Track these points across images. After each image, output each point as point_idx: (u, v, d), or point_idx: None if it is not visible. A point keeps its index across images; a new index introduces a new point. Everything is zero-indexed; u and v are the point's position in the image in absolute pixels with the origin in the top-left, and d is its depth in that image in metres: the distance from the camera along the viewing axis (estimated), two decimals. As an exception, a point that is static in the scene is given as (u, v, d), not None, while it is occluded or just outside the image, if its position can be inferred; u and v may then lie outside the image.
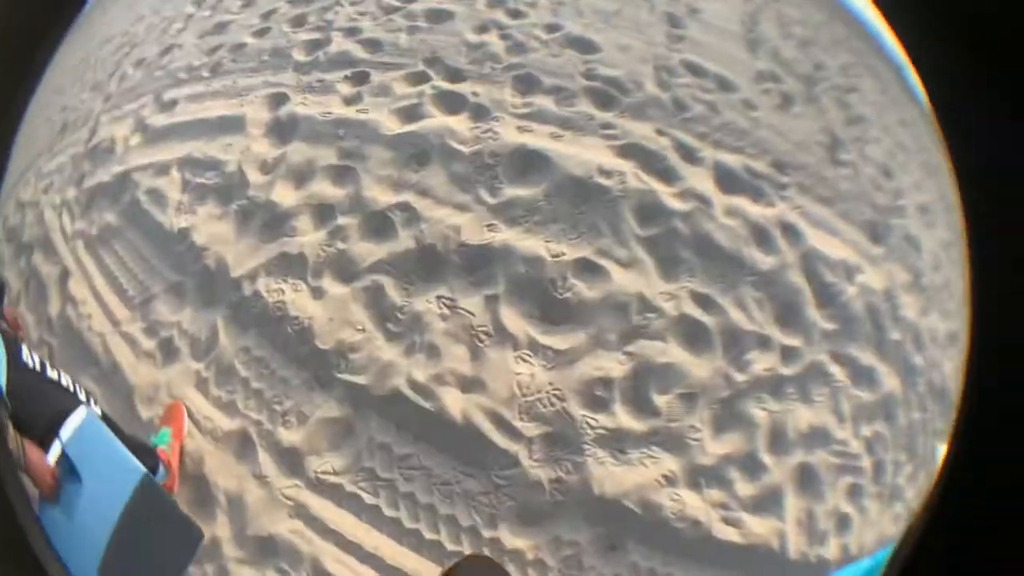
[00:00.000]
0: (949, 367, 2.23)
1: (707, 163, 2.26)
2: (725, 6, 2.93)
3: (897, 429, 2.05)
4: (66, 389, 1.55)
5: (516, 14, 2.73)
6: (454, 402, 1.75)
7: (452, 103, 2.34)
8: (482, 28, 2.66)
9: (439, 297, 1.88)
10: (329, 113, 2.31)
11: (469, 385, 1.77)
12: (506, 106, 2.32)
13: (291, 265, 1.96)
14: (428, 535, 1.74)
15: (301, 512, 1.75)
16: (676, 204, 2.10)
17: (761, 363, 1.97)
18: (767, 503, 1.90)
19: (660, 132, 2.32)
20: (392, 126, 2.24)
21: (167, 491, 1.51)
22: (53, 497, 1.35)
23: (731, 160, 2.30)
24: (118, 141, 2.51)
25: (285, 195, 2.09)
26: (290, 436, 1.80)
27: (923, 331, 2.21)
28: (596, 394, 1.81)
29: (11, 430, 1.28)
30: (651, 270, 1.98)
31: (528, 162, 2.14)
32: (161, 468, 1.67)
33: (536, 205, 2.04)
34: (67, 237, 2.31)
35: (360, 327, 1.85)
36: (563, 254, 1.95)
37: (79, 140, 2.67)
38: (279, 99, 2.44)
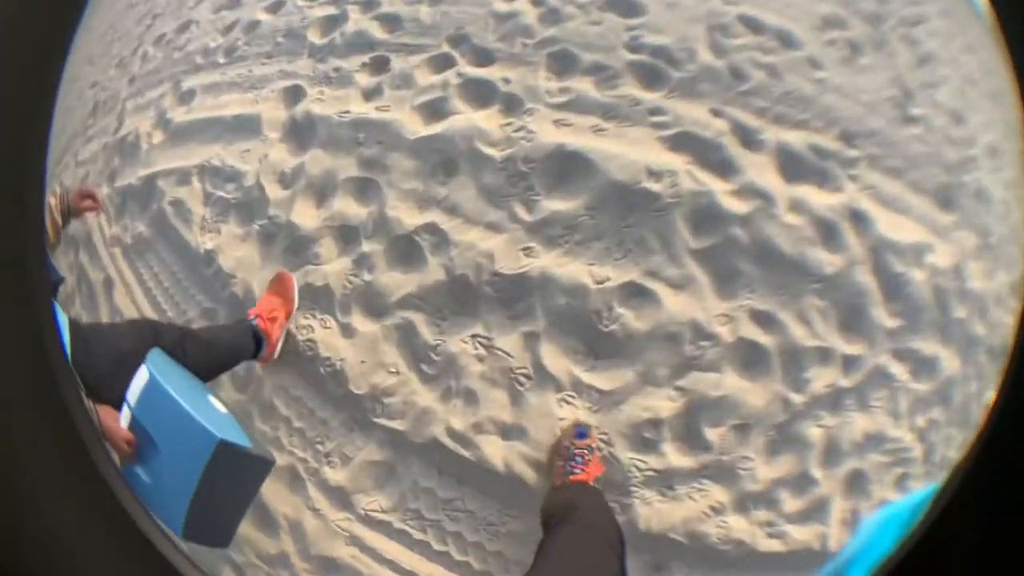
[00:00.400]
0: (1011, 322, 1.90)
1: (769, 147, 1.87)
2: None
3: (952, 409, 1.80)
4: (132, 336, 1.44)
5: None
6: (495, 451, 1.60)
7: (480, 94, 1.98)
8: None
9: (474, 336, 1.67)
10: (347, 112, 2.00)
11: (509, 432, 1.61)
12: (541, 94, 1.95)
13: (318, 298, 1.77)
14: (478, 567, 1.67)
15: (356, 541, 1.70)
16: (735, 206, 1.76)
17: (821, 380, 1.72)
18: (813, 513, 1.75)
19: (716, 112, 1.91)
20: (415, 127, 1.92)
21: (240, 449, 1.33)
22: (132, 459, 1.28)
23: (795, 139, 1.90)
24: (142, 136, 2.30)
25: (306, 214, 1.86)
26: (335, 475, 1.71)
27: (988, 298, 1.88)
28: (644, 436, 1.61)
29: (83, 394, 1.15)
30: (706, 289, 1.70)
31: (567, 166, 1.81)
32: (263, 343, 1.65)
33: (577, 221, 1.74)
34: (106, 241, 2.17)
35: (393, 369, 1.68)
36: (608, 279, 1.68)
37: (108, 127, 2.47)
38: (295, 93, 2.14)
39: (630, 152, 1.83)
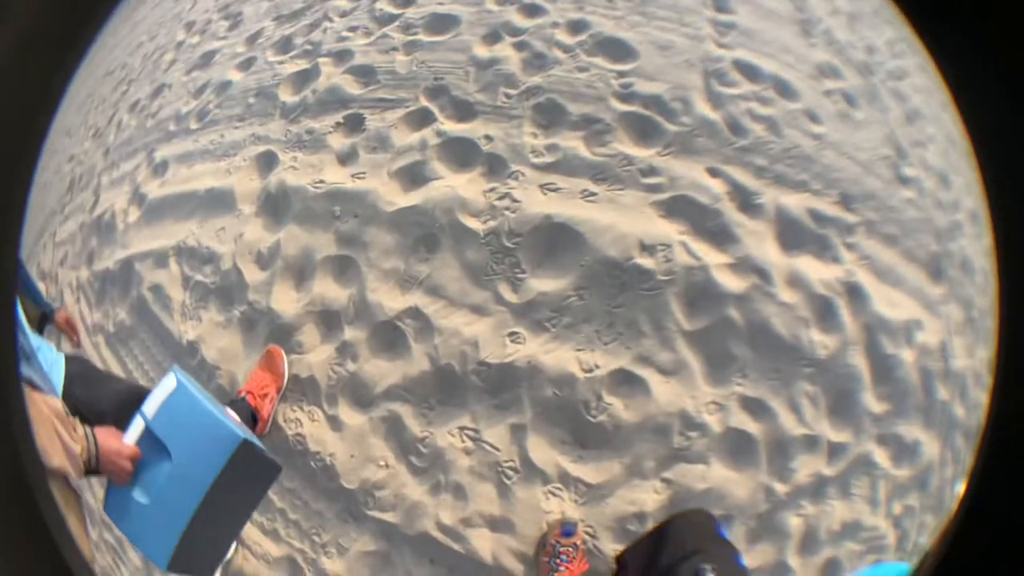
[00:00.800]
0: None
1: (767, 212, 1.72)
2: None
3: (928, 494, 1.69)
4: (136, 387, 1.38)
5: (532, 11, 2.06)
6: (483, 544, 1.51)
7: (461, 154, 1.84)
8: (493, 37, 2.04)
9: (462, 428, 1.57)
10: (322, 182, 1.87)
11: (497, 526, 1.52)
12: (526, 154, 1.80)
13: (304, 390, 1.68)
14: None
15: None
16: (731, 283, 1.62)
17: (805, 469, 1.60)
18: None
19: (713, 172, 1.76)
20: (393, 197, 1.80)
21: (259, 448, 1.31)
22: (128, 481, 1.19)
23: (794, 203, 1.75)
24: (118, 215, 2.19)
25: (286, 299, 1.75)
26: (333, 565, 1.64)
27: (969, 377, 1.76)
28: (629, 528, 1.52)
29: (76, 426, 1.11)
30: (697, 375, 1.58)
31: (555, 240, 1.67)
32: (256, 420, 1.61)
33: (565, 303, 1.61)
34: (89, 330, 2.09)
35: (383, 462, 1.59)
36: (596, 367, 1.56)
37: (85, 204, 2.37)
38: (268, 160, 2.00)
39: (622, 222, 1.68)
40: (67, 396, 1.24)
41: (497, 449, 1.54)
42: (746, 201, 1.73)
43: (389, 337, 1.66)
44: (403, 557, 1.61)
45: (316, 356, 1.69)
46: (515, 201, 1.72)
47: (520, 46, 2.04)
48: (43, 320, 1.38)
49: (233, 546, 1.69)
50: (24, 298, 1.27)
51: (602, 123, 1.85)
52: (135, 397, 1.29)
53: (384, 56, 2.11)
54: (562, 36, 2.04)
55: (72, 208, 2.29)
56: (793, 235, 1.71)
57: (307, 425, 1.66)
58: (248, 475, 1.32)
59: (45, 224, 2.40)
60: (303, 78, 2.13)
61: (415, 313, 1.65)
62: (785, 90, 1.92)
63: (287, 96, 2.11)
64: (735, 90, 1.90)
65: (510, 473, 1.54)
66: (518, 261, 1.66)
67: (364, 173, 1.86)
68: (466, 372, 1.59)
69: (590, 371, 1.56)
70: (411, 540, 1.59)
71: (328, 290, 1.74)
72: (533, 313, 1.61)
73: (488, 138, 1.85)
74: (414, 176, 1.83)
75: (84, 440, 1.12)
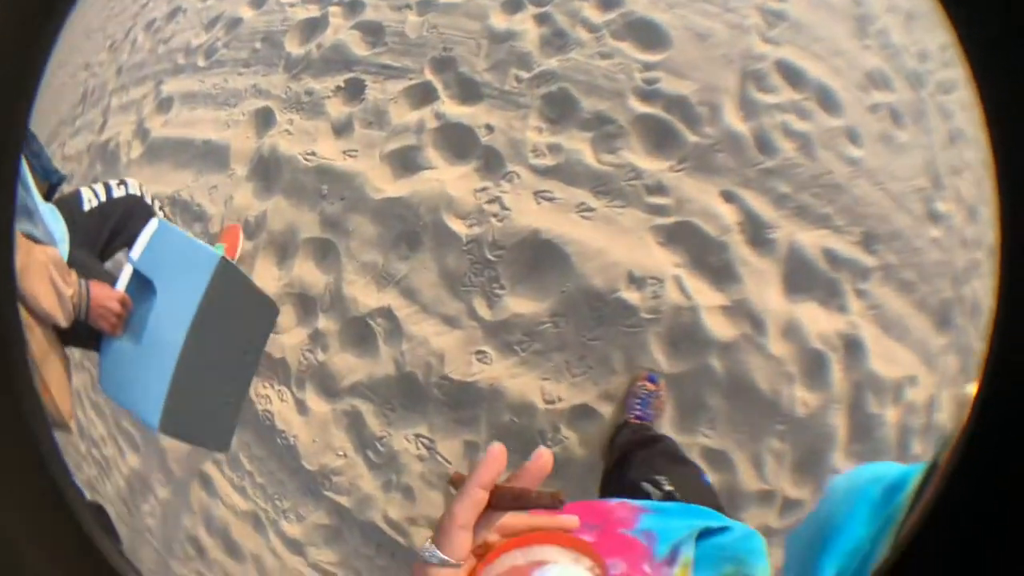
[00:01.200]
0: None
1: (779, 250, 1.53)
2: None
3: None
4: (132, 208, 1.40)
5: None
6: (424, 540, 1.55)
7: (459, 143, 1.68)
8: (514, 4, 1.78)
9: (418, 436, 1.55)
10: (313, 155, 1.76)
11: (443, 532, 1.55)
12: (526, 152, 1.63)
13: (276, 369, 1.68)
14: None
15: (311, 584, 1.77)
16: (720, 329, 1.48)
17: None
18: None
19: (727, 197, 1.56)
20: (381, 183, 1.68)
21: (242, 274, 1.38)
22: (120, 328, 1.20)
23: (811, 241, 1.55)
24: (122, 146, 2.14)
25: (268, 276, 1.71)
26: (291, 529, 1.73)
27: (950, 428, 1.60)
28: None
29: (71, 275, 1.14)
30: (664, 419, 1.49)
31: (539, 258, 1.55)
32: None
33: (539, 328, 1.52)
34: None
35: (342, 452, 1.61)
36: (559, 400, 1.49)
37: (94, 123, 2.32)
38: (265, 118, 1.89)
39: (615, 247, 1.53)
40: (70, 257, 1.25)
41: (448, 462, 1.53)
42: (758, 235, 1.54)
43: (360, 333, 1.61)
44: (353, 536, 1.67)
45: (290, 338, 1.67)
46: (504, 208, 1.58)
47: (542, 19, 1.78)
48: (51, 191, 1.37)
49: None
50: (33, 167, 1.27)
51: (615, 125, 1.64)
52: (129, 242, 1.28)
53: (395, 14, 1.89)
54: (590, 12, 1.77)
55: (82, 123, 2.25)
56: (801, 278, 1.53)
57: (276, 403, 1.67)
58: (234, 306, 1.30)
59: (55, 131, 2.37)
60: (311, 27, 1.94)
61: (387, 314, 1.59)
62: (828, 102, 1.64)
63: (293, 47, 1.94)
64: (772, 98, 1.64)
65: (458, 486, 1.53)
66: (497, 276, 1.55)
67: (356, 151, 1.73)
68: (429, 383, 1.54)
69: (552, 402, 1.49)
70: (361, 524, 1.64)
71: (308, 273, 1.68)
72: (505, 334, 1.53)
73: (489, 128, 1.67)
74: (406, 162, 1.69)
75: (77, 286, 1.14)
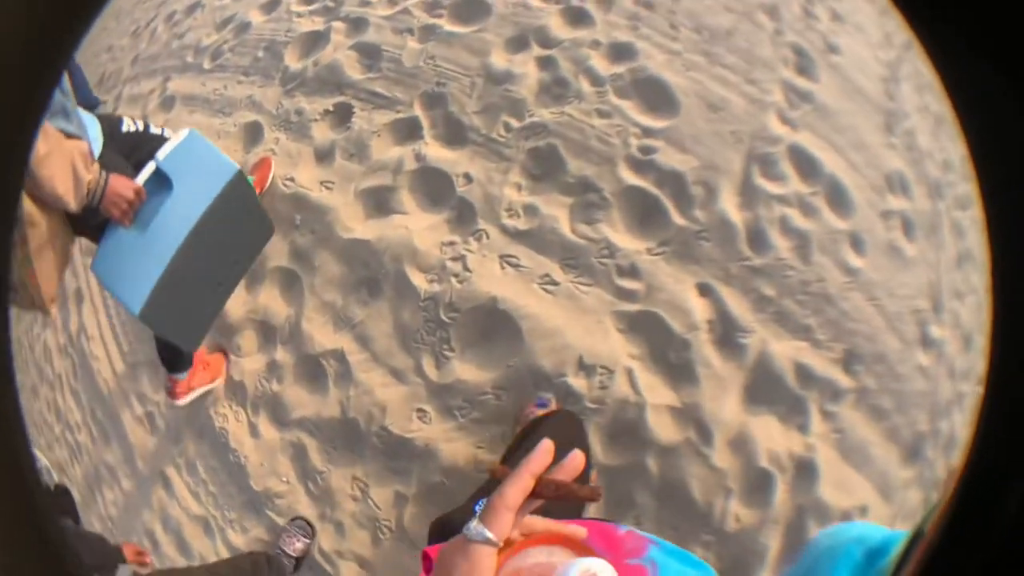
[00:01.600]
0: None
1: (747, 356, 1.42)
2: (865, 46, 1.52)
3: None
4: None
5: (577, 18, 1.64)
6: (351, 575, 1.58)
7: (434, 190, 1.61)
8: (518, 43, 1.67)
9: (354, 478, 1.56)
10: (292, 181, 1.72)
11: (365, 566, 1.56)
12: (500, 210, 1.55)
13: (235, 391, 1.70)
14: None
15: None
16: (663, 431, 1.40)
17: None
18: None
19: (703, 290, 1.45)
20: (352, 223, 1.63)
21: (252, 189, 1.38)
22: (129, 218, 1.25)
23: (784, 353, 1.42)
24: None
25: (235, 299, 1.71)
26: (236, 538, 1.79)
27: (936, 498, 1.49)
28: None
29: (95, 165, 1.19)
30: (588, 506, 1.44)
31: (493, 328, 1.49)
32: None
33: (480, 398, 1.47)
34: (82, 250, 2.18)
35: (285, 479, 1.64)
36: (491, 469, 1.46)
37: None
38: (254, 134, 1.85)
39: (571, 329, 1.45)
40: (100, 155, 1.27)
41: (379, 507, 1.53)
42: (728, 337, 1.43)
43: (313, 371, 1.61)
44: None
45: (250, 363, 1.68)
46: (467, 269, 1.51)
47: (545, 63, 1.66)
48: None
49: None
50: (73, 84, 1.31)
51: (599, 194, 1.53)
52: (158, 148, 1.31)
53: (396, 38, 1.80)
54: (597, 62, 1.63)
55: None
56: (765, 390, 1.42)
57: (231, 422, 1.70)
58: (238, 217, 1.36)
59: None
60: (312, 41, 1.87)
61: (340, 356, 1.57)
62: (839, 200, 1.48)
63: (292, 60, 1.88)
64: (778, 187, 1.49)
65: (385, 530, 1.53)
66: (449, 338, 1.50)
67: (333, 184, 1.68)
68: (369, 431, 1.53)
69: (483, 471, 1.46)
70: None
71: (272, 301, 1.68)
72: (447, 397, 1.49)
73: (467, 178, 1.59)
74: (379, 202, 1.63)
75: (97, 174, 1.18)
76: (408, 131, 1.68)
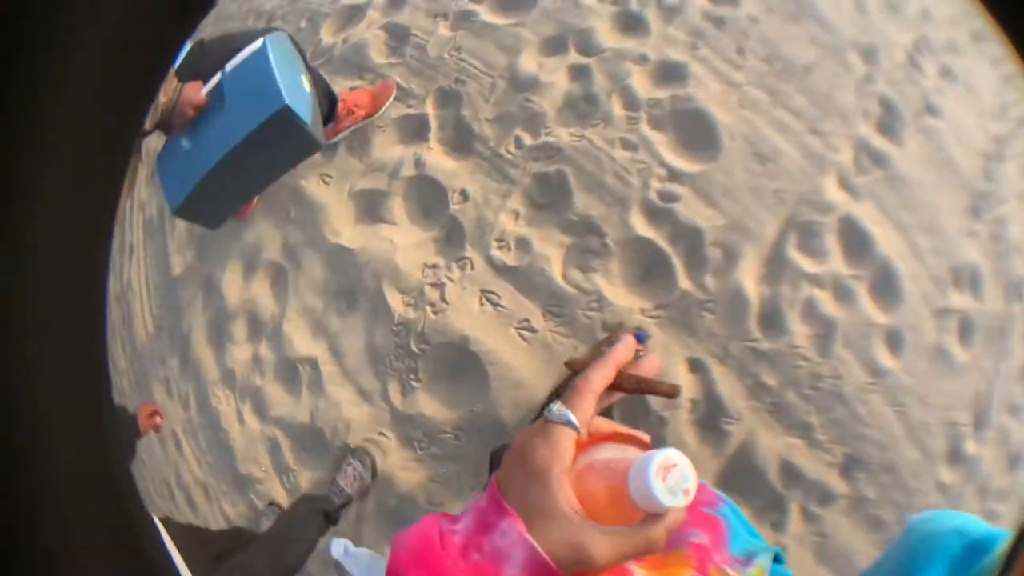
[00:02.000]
0: None
1: (728, 444, 1.22)
2: (973, 113, 1.12)
3: None
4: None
5: (630, 25, 1.39)
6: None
7: (426, 203, 1.49)
8: (555, 45, 1.44)
9: (317, 486, 1.56)
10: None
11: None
12: (490, 239, 1.40)
13: (226, 377, 1.73)
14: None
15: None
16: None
17: None
18: None
19: (694, 366, 1.24)
20: (340, 226, 1.55)
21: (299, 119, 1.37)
22: (188, 127, 1.33)
23: (771, 448, 1.21)
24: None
25: (233, 283, 1.71)
26: (230, 510, 1.87)
27: None
28: None
29: (172, 81, 1.26)
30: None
31: (460, 368, 1.37)
32: (331, 121, 1.56)
33: (440, 435, 1.38)
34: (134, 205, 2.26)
35: (264, 468, 1.67)
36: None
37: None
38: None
39: (540, 382, 1.29)
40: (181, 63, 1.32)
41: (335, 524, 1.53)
42: (710, 420, 1.22)
43: (289, 373, 1.58)
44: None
45: (240, 352, 1.69)
46: (444, 301, 1.38)
47: (578, 73, 1.42)
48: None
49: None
50: None
51: (601, 240, 1.32)
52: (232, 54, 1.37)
53: (428, 22, 1.62)
54: (638, 81, 1.37)
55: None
56: (741, 483, 1.21)
57: (224, 405, 1.74)
58: (280, 142, 1.39)
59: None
60: (349, 16, 1.73)
61: (314, 364, 1.53)
62: (886, 289, 1.18)
63: (327, 33, 1.76)
64: (813, 264, 1.21)
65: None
66: (416, 369, 1.40)
67: (331, 177, 1.58)
68: (333, 444, 1.50)
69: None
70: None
71: (262, 294, 1.65)
72: (408, 427, 1.41)
73: (464, 195, 1.43)
74: (370, 208, 1.52)
75: (173, 92, 1.24)
76: (415, 130, 1.53)
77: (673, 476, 0.38)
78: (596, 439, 0.44)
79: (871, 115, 1.22)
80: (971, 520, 0.43)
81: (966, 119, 1.20)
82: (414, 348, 1.40)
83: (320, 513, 1.51)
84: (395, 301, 1.43)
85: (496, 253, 1.37)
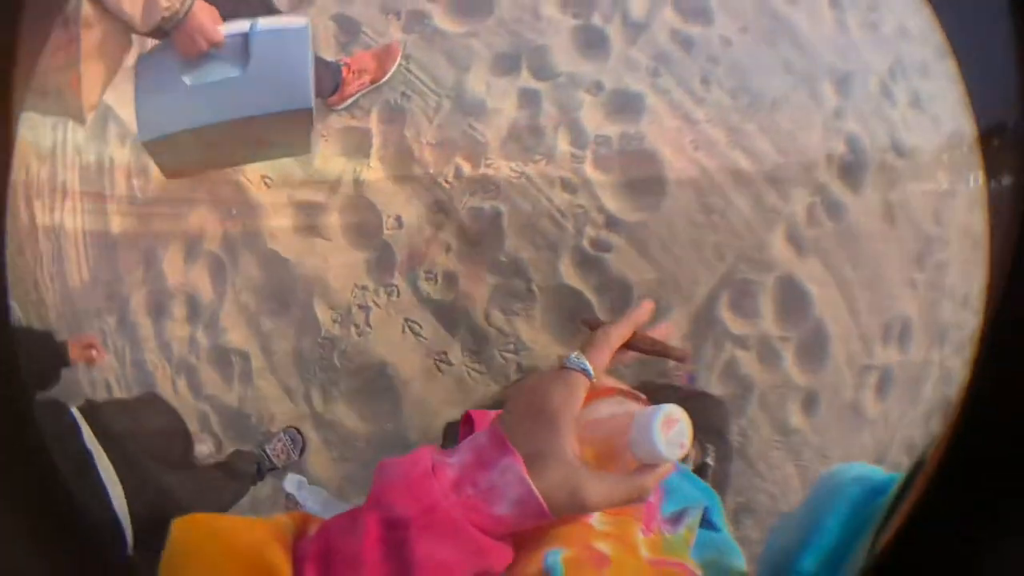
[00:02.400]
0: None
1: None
2: (936, 146, 1.15)
3: None
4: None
5: (593, 44, 1.34)
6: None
7: (361, 225, 1.48)
8: (506, 63, 1.40)
9: (241, 468, 1.66)
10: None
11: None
12: (418, 270, 1.41)
13: (163, 349, 1.77)
14: None
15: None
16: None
17: None
18: None
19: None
20: (278, 231, 1.54)
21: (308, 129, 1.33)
22: (193, 59, 1.16)
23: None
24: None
25: (175, 263, 1.71)
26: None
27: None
28: None
29: None
30: None
31: (377, 388, 1.43)
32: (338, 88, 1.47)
33: (353, 442, 1.47)
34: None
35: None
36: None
37: None
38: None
39: (450, 412, 1.37)
40: None
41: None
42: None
43: (222, 361, 1.63)
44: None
45: (178, 330, 1.72)
46: (368, 325, 1.42)
47: (527, 100, 1.38)
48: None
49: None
50: None
51: (527, 284, 1.34)
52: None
53: (380, 19, 1.52)
54: (589, 113, 1.34)
55: None
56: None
57: (159, 372, 1.80)
58: (284, 136, 1.35)
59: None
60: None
61: (245, 357, 1.58)
62: (812, 352, 1.26)
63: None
64: (742, 326, 1.27)
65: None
66: (337, 381, 1.46)
67: (271, 180, 1.55)
68: (256, 433, 1.59)
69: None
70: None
71: (202, 282, 1.66)
72: (326, 431, 1.49)
73: (398, 222, 1.43)
74: (308, 219, 1.51)
75: (181, 4, 1.06)
76: (357, 144, 1.48)
77: (674, 431, 0.40)
78: (600, 392, 0.45)
79: (834, 158, 1.21)
80: (869, 468, 0.46)
81: (927, 155, 1.20)
82: (336, 363, 1.45)
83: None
84: (324, 315, 1.47)
85: (423, 285, 1.39)
